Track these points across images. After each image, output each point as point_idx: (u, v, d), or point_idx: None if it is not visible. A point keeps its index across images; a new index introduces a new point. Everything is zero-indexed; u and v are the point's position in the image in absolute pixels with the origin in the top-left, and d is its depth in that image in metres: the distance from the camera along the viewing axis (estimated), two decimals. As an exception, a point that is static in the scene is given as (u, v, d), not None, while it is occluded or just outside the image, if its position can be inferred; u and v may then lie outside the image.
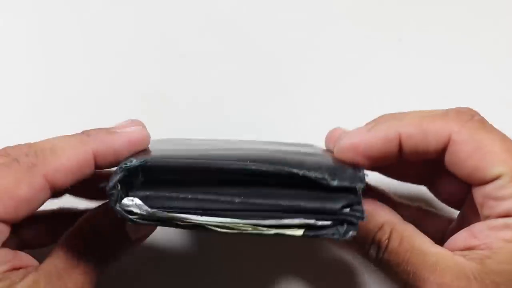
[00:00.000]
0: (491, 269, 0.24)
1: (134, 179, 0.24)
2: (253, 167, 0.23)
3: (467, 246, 0.25)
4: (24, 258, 0.25)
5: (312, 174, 0.23)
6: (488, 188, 0.25)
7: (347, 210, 0.23)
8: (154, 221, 0.23)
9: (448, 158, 0.26)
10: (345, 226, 0.23)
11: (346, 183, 0.23)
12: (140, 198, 0.23)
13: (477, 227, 0.26)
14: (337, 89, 0.39)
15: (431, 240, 0.26)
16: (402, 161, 0.31)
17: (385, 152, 0.26)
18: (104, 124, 0.28)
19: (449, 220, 0.31)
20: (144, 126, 0.28)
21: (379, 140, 0.26)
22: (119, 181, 0.23)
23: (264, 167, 0.23)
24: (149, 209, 0.23)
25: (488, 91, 0.38)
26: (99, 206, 0.27)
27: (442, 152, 0.26)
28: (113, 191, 0.23)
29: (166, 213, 0.23)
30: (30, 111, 0.38)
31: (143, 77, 0.39)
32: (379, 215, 0.26)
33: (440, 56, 0.39)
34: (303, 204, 0.23)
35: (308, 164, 0.24)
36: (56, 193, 0.31)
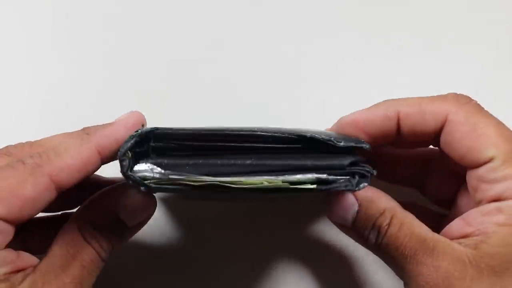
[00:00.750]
0: (486, 253, 0.24)
1: (145, 147, 0.24)
2: (262, 133, 0.24)
3: (462, 234, 0.26)
4: (26, 258, 0.26)
5: (319, 136, 0.24)
6: (481, 171, 0.26)
7: (355, 166, 0.24)
8: (168, 185, 0.23)
9: (444, 138, 0.27)
10: (357, 178, 0.24)
11: (352, 144, 0.25)
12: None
13: (470, 214, 0.26)
14: (337, 89, 0.39)
15: (429, 228, 0.26)
16: (395, 161, 0.32)
17: (383, 129, 0.27)
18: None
19: (443, 215, 0.32)
20: (138, 111, 0.28)
21: (378, 117, 0.27)
22: (130, 148, 0.23)
23: (271, 131, 0.24)
24: (163, 171, 0.23)
25: (488, 91, 0.38)
26: (90, 199, 0.27)
27: (438, 133, 0.27)
28: (125, 158, 0.23)
29: (180, 173, 0.23)
30: (29, 112, 0.38)
31: (142, 77, 0.39)
32: (380, 201, 0.26)
33: (440, 57, 0.39)
34: (312, 162, 0.24)
35: (313, 131, 0.25)
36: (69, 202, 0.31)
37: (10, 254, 0.25)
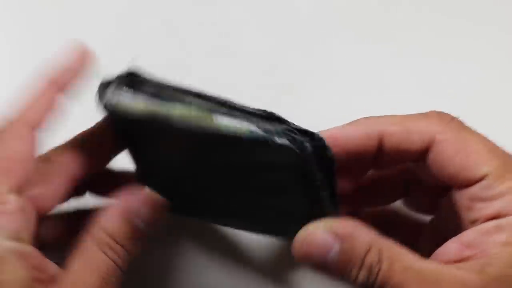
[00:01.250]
0: (493, 276, 0.23)
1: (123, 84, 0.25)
2: (234, 104, 0.24)
3: (461, 257, 0.24)
4: (50, 266, 0.25)
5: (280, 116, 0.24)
6: (474, 189, 0.25)
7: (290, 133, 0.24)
8: (140, 110, 0.24)
9: (432, 158, 0.26)
10: (284, 137, 0.23)
11: (305, 129, 0.24)
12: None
13: (467, 235, 0.25)
14: (336, 91, 0.40)
15: (416, 255, 0.24)
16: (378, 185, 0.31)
17: (363, 148, 0.26)
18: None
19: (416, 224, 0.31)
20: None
21: (359, 134, 0.26)
22: (110, 81, 0.25)
23: (244, 106, 0.24)
24: (133, 91, 0.24)
25: (489, 91, 0.39)
26: (104, 207, 0.27)
27: (423, 152, 0.26)
28: (102, 86, 0.25)
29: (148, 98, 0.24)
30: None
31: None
32: (362, 236, 0.24)
33: (440, 59, 0.40)
34: (255, 123, 0.24)
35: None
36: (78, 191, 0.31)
37: (37, 256, 0.25)
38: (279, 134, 0.23)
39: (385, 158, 0.27)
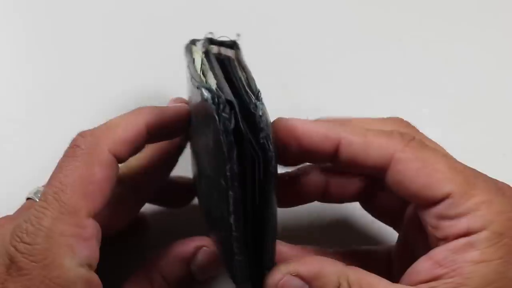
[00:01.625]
0: None
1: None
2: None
3: (432, 276, 0.23)
4: None
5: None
6: (440, 208, 0.24)
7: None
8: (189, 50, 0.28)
9: (392, 177, 0.25)
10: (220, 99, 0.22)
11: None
12: None
13: (438, 253, 0.24)
14: (336, 89, 0.40)
15: (386, 280, 0.24)
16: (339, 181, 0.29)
17: (318, 147, 0.26)
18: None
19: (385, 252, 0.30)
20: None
21: (318, 133, 0.25)
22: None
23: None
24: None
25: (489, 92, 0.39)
26: (164, 249, 0.28)
27: (380, 168, 0.25)
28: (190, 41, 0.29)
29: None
30: (41, 112, 0.39)
31: (144, 77, 0.40)
32: (328, 272, 0.23)
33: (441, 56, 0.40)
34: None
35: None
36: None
37: (99, 286, 0.24)
38: (218, 95, 0.22)
39: (342, 165, 0.26)
